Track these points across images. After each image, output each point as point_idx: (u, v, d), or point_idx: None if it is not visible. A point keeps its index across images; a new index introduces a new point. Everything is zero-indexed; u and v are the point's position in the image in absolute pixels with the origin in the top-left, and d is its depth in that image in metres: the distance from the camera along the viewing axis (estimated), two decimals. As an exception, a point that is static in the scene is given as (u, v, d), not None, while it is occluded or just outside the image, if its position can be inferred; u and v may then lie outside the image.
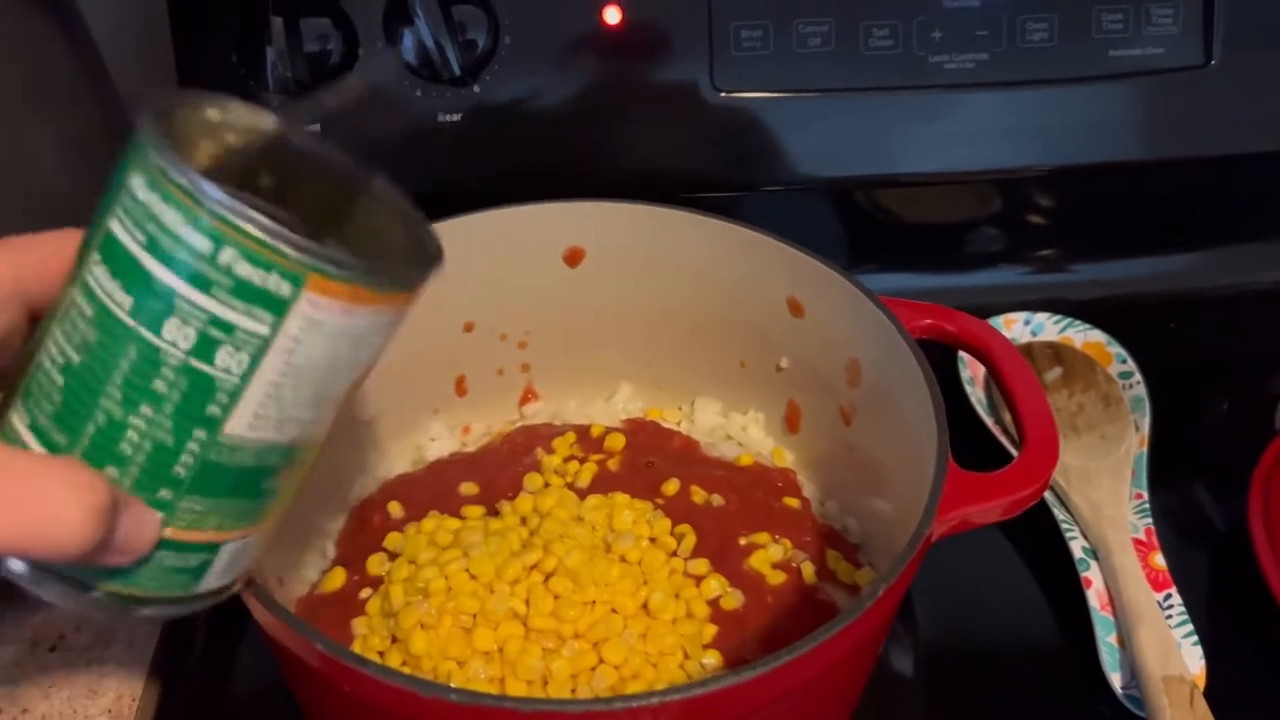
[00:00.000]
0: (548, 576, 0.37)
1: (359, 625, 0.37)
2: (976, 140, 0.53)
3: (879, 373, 0.39)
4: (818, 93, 0.50)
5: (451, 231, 0.42)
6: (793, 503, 0.41)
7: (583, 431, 0.45)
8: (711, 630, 0.36)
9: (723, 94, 0.50)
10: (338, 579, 0.39)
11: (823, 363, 0.42)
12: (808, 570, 0.38)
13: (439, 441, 0.47)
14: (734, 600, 0.37)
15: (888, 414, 0.39)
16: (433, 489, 0.42)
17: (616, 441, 0.44)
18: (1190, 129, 0.53)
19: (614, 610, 0.36)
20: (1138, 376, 0.51)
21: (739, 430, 0.47)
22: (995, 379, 0.36)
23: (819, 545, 0.39)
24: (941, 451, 0.32)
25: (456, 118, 0.48)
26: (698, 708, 0.27)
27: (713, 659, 0.35)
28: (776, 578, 0.38)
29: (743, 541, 0.39)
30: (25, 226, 0.36)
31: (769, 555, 0.39)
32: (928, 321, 0.38)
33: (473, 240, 0.43)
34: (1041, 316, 0.55)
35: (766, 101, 0.50)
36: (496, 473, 0.43)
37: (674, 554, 0.39)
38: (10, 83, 0.35)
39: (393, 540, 0.40)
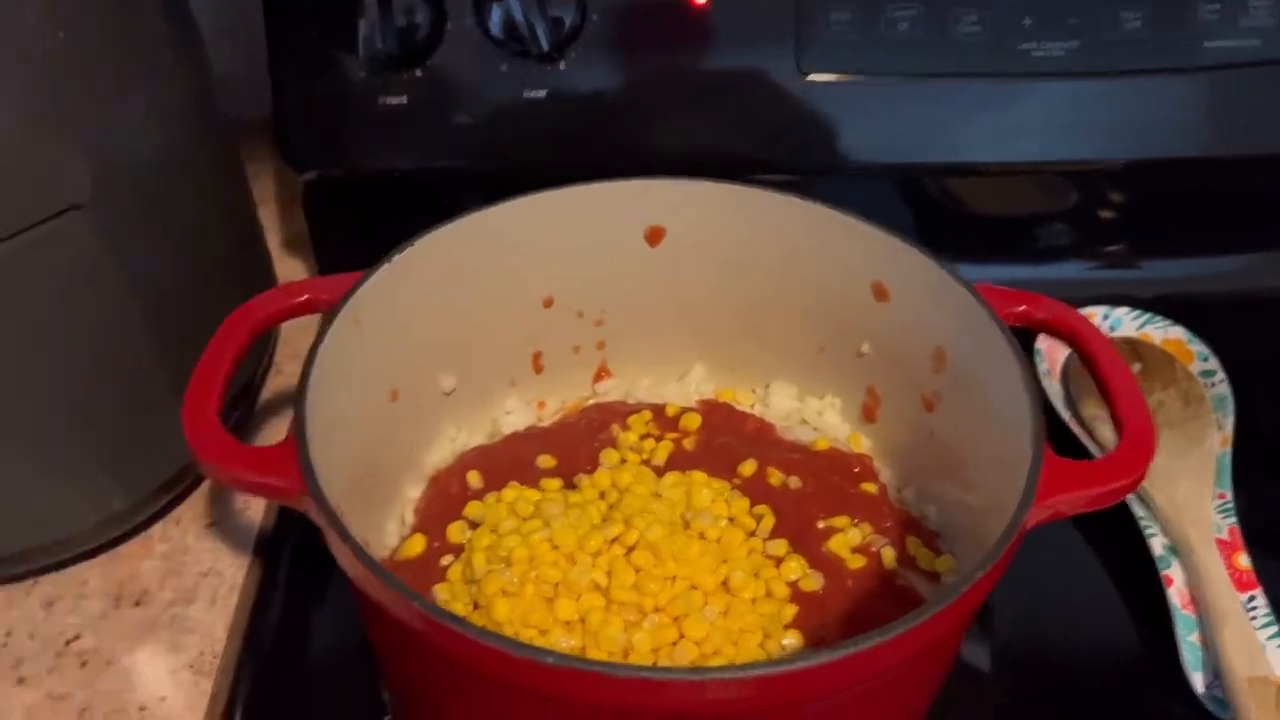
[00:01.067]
0: (629, 550, 0.37)
1: (440, 591, 0.37)
2: (1063, 130, 0.52)
3: (967, 360, 0.39)
4: (903, 78, 0.50)
5: (533, 208, 0.43)
6: (870, 488, 0.41)
7: (658, 410, 0.45)
8: (792, 611, 0.36)
9: (808, 78, 0.49)
10: (418, 545, 0.39)
11: (907, 349, 0.42)
12: (888, 555, 0.38)
13: (514, 415, 0.47)
14: (814, 582, 0.37)
15: (975, 401, 0.38)
16: (510, 460, 0.43)
17: (692, 421, 0.45)
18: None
19: (694, 587, 0.36)
20: (1221, 375, 0.50)
21: (814, 415, 0.47)
22: (1091, 370, 0.36)
23: (898, 531, 0.39)
24: (1038, 439, 0.32)
25: (542, 94, 0.48)
26: (784, 685, 0.27)
27: (793, 639, 0.35)
28: (856, 562, 0.38)
29: (821, 525, 0.39)
30: (116, 196, 0.37)
31: (848, 539, 0.38)
32: (1021, 309, 0.38)
33: (555, 217, 0.43)
34: (1120, 311, 0.54)
35: (851, 86, 0.50)
36: (573, 447, 0.43)
37: (752, 534, 0.39)
38: (107, 53, 0.36)
39: (473, 509, 0.40)
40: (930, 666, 0.34)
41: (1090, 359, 0.36)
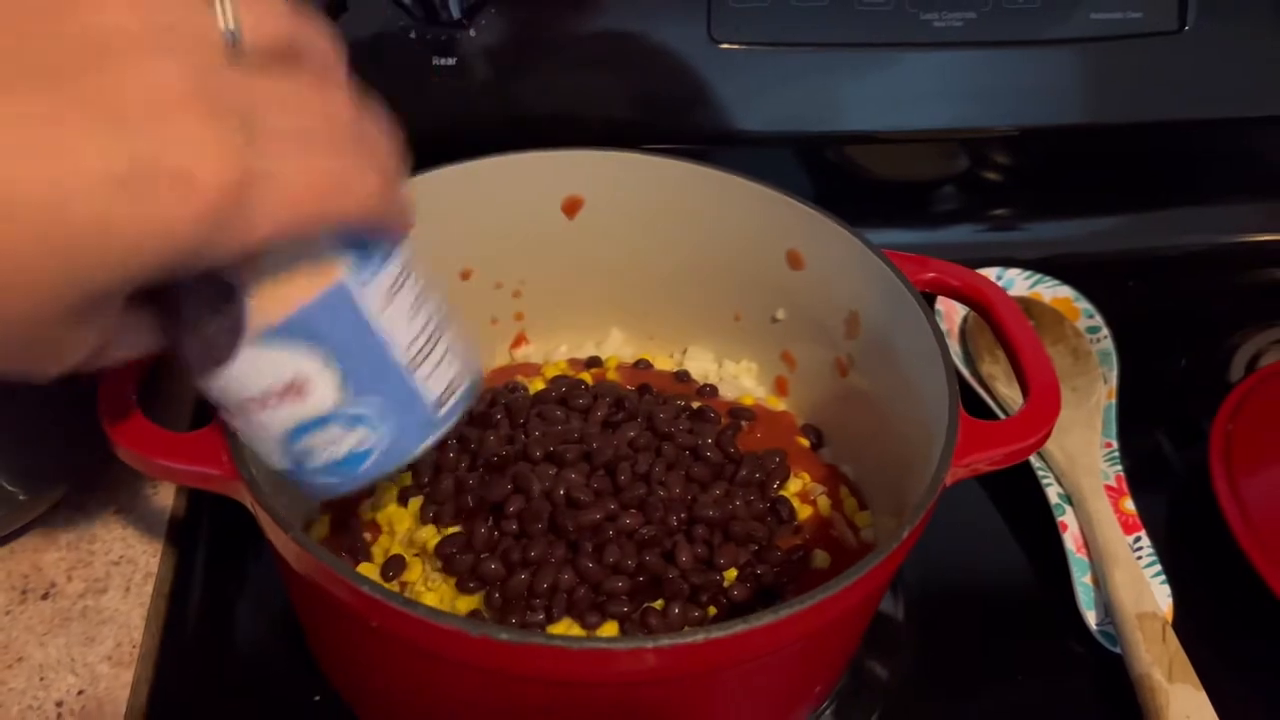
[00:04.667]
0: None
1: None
2: (961, 98, 0.54)
3: (881, 325, 0.40)
4: (812, 47, 0.51)
5: (449, 179, 0.42)
6: (803, 442, 0.42)
7: (574, 361, 0.46)
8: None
9: (720, 45, 0.50)
10: (323, 528, 0.39)
11: (821, 314, 0.43)
12: (823, 504, 0.40)
13: (432, 389, 0.47)
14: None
15: (888, 365, 0.40)
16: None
17: (613, 362, 0.46)
18: (1161, 93, 0.55)
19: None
20: (1105, 331, 0.54)
21: (731, 378, 0.48)
22: (998, 334, 0.38)
23: (831, 484, 0.41)
24: (953, 401, 0.34)
25: (452, 62, 0.47)
26: (728, 647, 0.28)
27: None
28: (803, 511, 0.39)
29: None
30: None
31: (789, 486, 0.40)
32: (931, 275, 0.39)
33: (471, 188, 0.43)
34: (1012, 272, 0.57)
35: (761, 54, 0.50)
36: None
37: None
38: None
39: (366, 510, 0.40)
40: (860, 621, 0.36)
41: (998, 324, 0.38)
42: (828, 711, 0.40)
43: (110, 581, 0.41)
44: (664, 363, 0.49)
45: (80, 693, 0.38)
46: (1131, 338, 0.53)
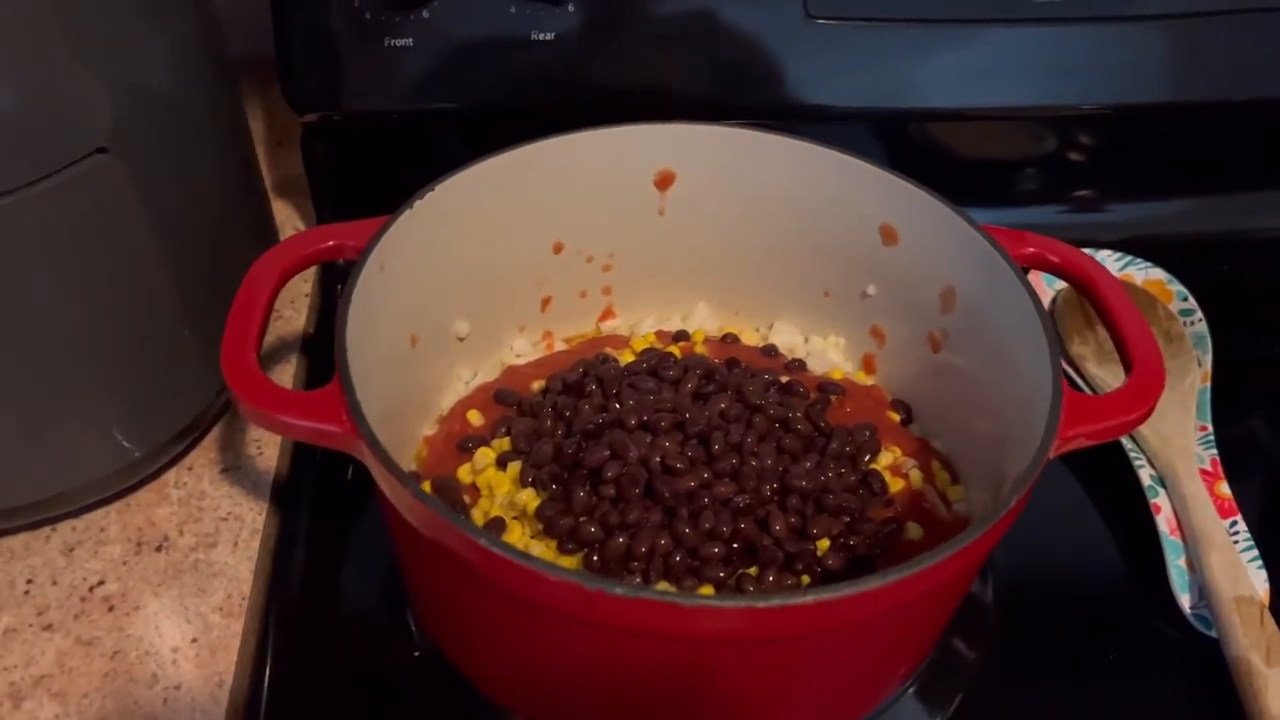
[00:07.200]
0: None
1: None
2: (1052, 75, 0.53)
3: (978, 299, 0.40)
4: (908, 23, 0.50)
5: (544, 153, 0.43)
6: (894, 416, 0.42)
7: (662, 334, 0.47)
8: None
9: (816, 20, 0.50)
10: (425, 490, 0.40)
11: (914, 290, 0.43)
12: (915, 477, 0.40)
13: (523, 357, 0.48)
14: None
15: (985, 339, 0.40)
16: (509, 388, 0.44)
17: (699, 336, 0.46)
18: (1257, 70, 0.54)
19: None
20: (1198, 313, 0.53)
21: (818, 354, 0.48)
22: (1098, 308, 0.38)
23: (923, 457, 0.41)
24: (1056, 375, 0.34)
25: (550, 36, 0.48)
26: (835, 611, 0.29)
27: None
28: (896, 484, 0.39)
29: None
30: (139, 138, 0.36)
31: (881, 460, 0.40)
32: (1030, 250, 0.39)
33: (565, 162, 0.43)
34: (1104, 254, 0.56)
35: (855, 29, 0.50)
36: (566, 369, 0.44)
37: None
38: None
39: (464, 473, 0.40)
40: (957, 591, 0.36)
41: (1100, 300, 0.37)
42: (910, 691, 0.40)
43: (219, 537, 0.43)
44: (750, 337, 0.49)
45: (194, 640, 0.39)
46: (1226, 321, 0.52)
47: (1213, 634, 0.40)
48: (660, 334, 0.48)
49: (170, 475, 0.45)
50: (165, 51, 0.38)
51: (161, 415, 0.43)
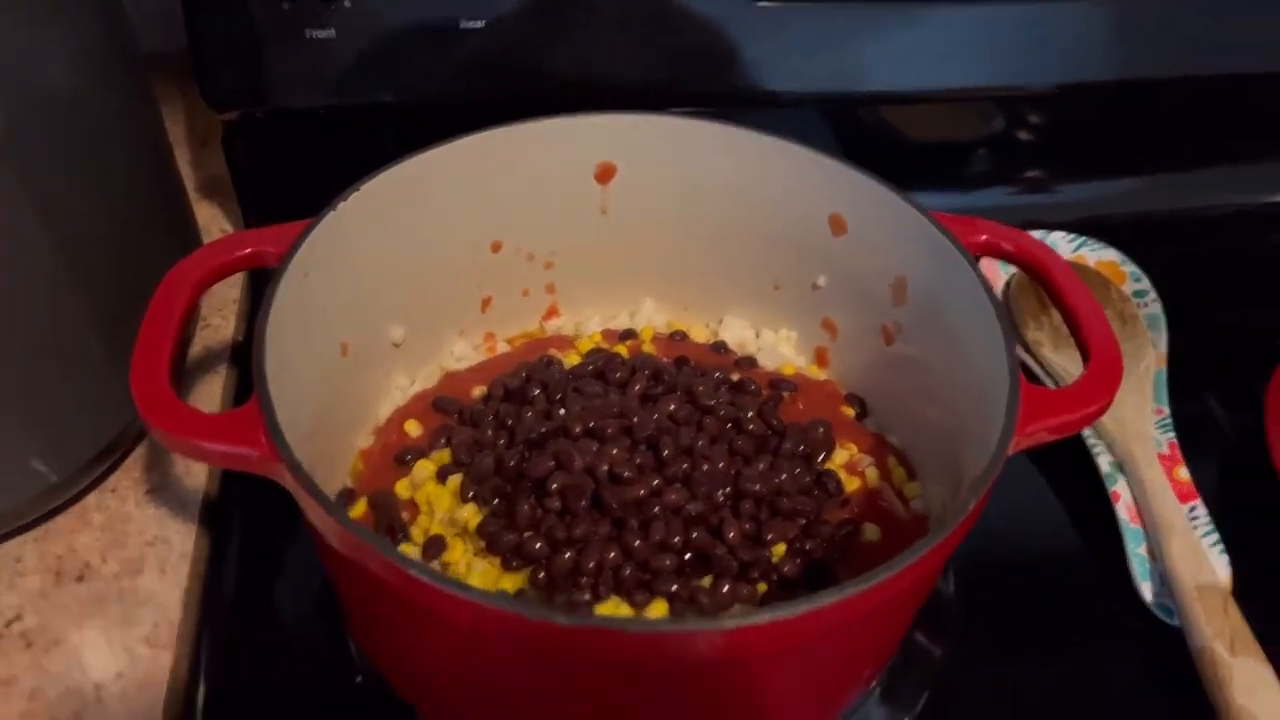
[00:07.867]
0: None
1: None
2: (997, 55, 0.52)
3: (931, 290, 0.39)
4: (850, 3, 0.49)
5: (481, 147, 0.41)
6: (849, 411, 0.41)
7: (608, 333, 0.45)
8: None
9: (757, 3, 0.48)
10: (359, 509, 0.38)
11: (866, 281, 0.42)
12: (872, 475, 0.38)
13: (464, 361, 0.46)
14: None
15: (938, 331, 0.38)
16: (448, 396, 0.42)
17: (648, 333, 0.45)
18: (1206, 47, 0.53)
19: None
20: (1153, 294, 0.52)
21: (769, 348, 0.47)
22: (1053, 297, 0.36)
23: (878, 453, 0.40)
24: (1013, 369, 0.32)
25: (480, 24, 0.46)
26: (795, 628, 0.27)
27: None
28: (851, 483, 0.38)
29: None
30: (34, 126, 0.34)
31: (836, 458, 0.39)
32: (983, 238, 0.38)
33: (502, 156, 0.41)
34: (1056, 235, 0.55)
35: (798, 11, 0.49)
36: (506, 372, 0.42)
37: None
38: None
39: (402, 488, 0.39)
40: (919, 594, 0.35)
41: (1055, 289, 0.36)
42: (876, 691, 0.39)
43: (145, 563, 0.41)
44: (700, 333, 0.48)
45: (119, 675, 0.37)
46: (1179, 301, 0.52)
47: (1176, 624, 0.40)
48: (607, 333, 0.46)
49: (91, 499, 0.42)
50: (59, 47, 0.35)
51: (77, 435, 0.40)
